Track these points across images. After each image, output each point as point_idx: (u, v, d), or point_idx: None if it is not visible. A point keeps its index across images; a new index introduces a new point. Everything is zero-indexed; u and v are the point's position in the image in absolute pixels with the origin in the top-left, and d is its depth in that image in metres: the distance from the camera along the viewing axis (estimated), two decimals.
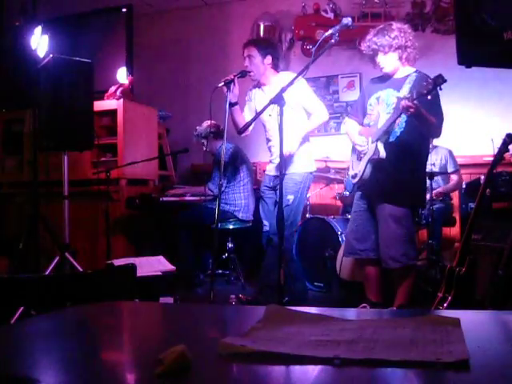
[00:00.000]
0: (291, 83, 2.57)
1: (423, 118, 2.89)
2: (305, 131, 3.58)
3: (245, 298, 3.65)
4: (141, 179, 5.00)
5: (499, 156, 2.47)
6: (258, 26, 5.66)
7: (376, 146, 3.01)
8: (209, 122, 4.50)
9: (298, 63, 5.43)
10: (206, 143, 4.59)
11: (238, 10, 5.94)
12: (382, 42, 3.02)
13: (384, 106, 3.10)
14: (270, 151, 3.77)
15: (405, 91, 2.97)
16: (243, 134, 3.43)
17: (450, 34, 4.79)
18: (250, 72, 3.55)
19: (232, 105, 3.46)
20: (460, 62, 1.57)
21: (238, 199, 4.50)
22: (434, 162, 4.47)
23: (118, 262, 2.68)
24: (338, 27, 2.59)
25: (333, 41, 2.59)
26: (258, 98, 3.72)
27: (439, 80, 2.69)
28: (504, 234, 2.59)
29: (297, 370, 0.72)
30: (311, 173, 3.66)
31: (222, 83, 3.34)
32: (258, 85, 3.73)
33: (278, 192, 3.58)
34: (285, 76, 3.51)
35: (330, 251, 4.15)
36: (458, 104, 4.85)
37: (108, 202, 4.12)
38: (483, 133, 4.60)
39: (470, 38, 1.55)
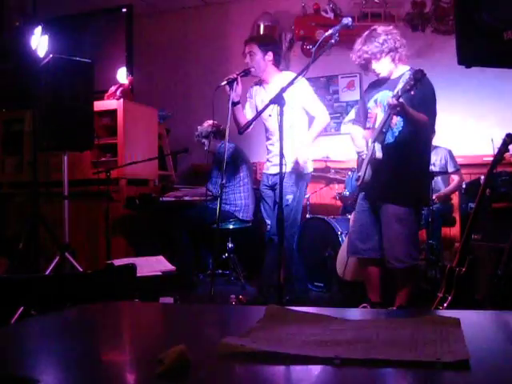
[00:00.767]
0: (291, 83, 2.57)
1: (409, 115, 2.90)
2: (312, 137, 3.61)
3: (245, 299, 3.65)
4: (141, 179, 5.00)
5: (499, 156, 2.47)
6: (258, 26, 5.65)
7: (373, 146, 3.02)
8: (210, 121, 4.50)
9: (298, 63, 5.43)
10: (206, 143, 4.60)
11: (237, 10, 5.94)
12: (373, 50, 3.03)
13: (381, 107, 3.11)
14: (268, 150, 3.78)
15: (398, 90, 2.97)
16: (244, 133, 3.44)
17: (450, 34, 4.78)
18: (250, 68, 3.55)
19: (234, 104, 3.46)
20: (460, 62, 1.57)
21: (238, 199, 4.50)
22: (433, 162, 4.46)
23: (118, 262, 2.68)
24: (337, 27, 2.59)
25: (333, 41, 2.59)
26: (259, 96, 3.73)
27: (418, 74, 2.71)
28: (504, 234, 2.59)
29: (297, 370, 0.72)
30: (309, 173, 3.66)
31: (225, 82, 3.34)
32: (260, 82, 3.73)
33: (276, 192, 3.61)
34: (287, 76, 3.51)
35: (330, 251, 4.15)
36: (458, 104, 4.85)
37: (108, 201, 4.11)
38: (483, 133, 4.60)
39: (469, 38, 1.55)
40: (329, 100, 5.55)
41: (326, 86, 5.57)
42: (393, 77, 3.14)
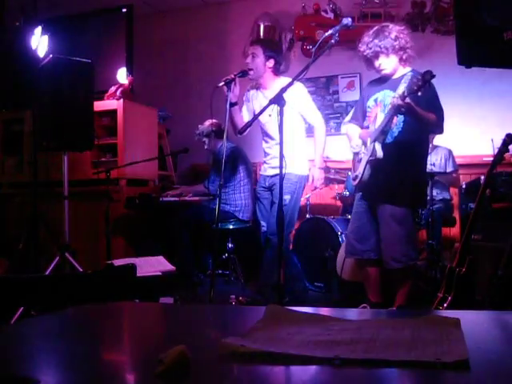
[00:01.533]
0: (291, 84, 2.57)
1: (418, 115, 2.89)
2: (321, 153, 3.72)
3: (244, 300, 3.64)
4: (141, 179, 5.00)
5: (499, 156, 2.47)
6: (258, 26, 5.65)
7: (373, 146, 3.01)
8: (211, 120, 4.50)
9: (298, 63, 5.43)
10: (207, 142, 4.60)
11: (237, 10, 5.94)
12: (385, 44, 3.00)
13: (382, 107, 3.10)
14: (265, 152, 3.80)
15: (400, 91, 2.97)
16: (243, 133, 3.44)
17: (450, 34, 4.78)
18: (249, 70, 3.55)
19: (232, 105, 3.46)
20: (460, 62, 1.57)
21: (238, 199, 4.50)
22: (433, 161, 4.47)
23: (118, 262, 2.68)
24: (337, 27, 2.59)
25: (333, 41, 2.59)
26: (256, 100, 3.73)
27: (427, 76, 2.69)
28: (504, 234, 2.59)
29: (297, 370, 0.72)
30: (306, 175, 3.67)
31: (223, 83, 3.34)
32: (257, 86, 3.74)
33: (274, 192, 3.62)
34: (286, 81, 3.52)
35: (330, 251, 4.15)
36: (458, 104, 4.85)
37: (108, 202, 4.11)
38: (483, 133, 4.60)
39: (470, 37, 1.55)
40: (329, 100, 5.55)
41: (325, 86, 5.57)
42: (394, 77, 3.13)
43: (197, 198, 4.67)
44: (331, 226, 4.23)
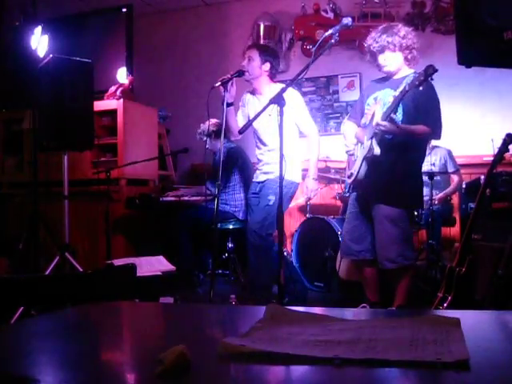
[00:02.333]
0: (291, 83, 2.57)
1: (404, 132, 2.91)
2: (316, 164, 3.70)
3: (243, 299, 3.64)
4: (141, 179, 5.00)
5: (499, 156, 2.47)
6: (258, 26, 5.66)
7: (370, 143, 3.00)
8: (213, 120, 4.50)
9: (298, 63, 5.43)
10: (208, 141, 4.60)
11: (237, 10, 5.94)
12: (393, 40, 3.01)
13: (381, 105, 3.09)
14: (258, 159, 3.79)
15: (401, 89, 2.96)
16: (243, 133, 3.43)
17: (450, 33, 4.79)
18: (245, 71, 3.53)
19: (228, 105, 3.44)
20: (460, 62, 1.57)
21: (238, 199, 4.50)
22: (433, 162, 4.47)
23: (117, 262, 2.68)
24: (338, 27, 2.59)
25: (333, 41, 2.59)
26: (252, 105, 3.72)
27: (430, 70, 2.68)
28: (504, 234, 2.59)
29: (297, 370, 0.72)
30: (297, 183, 3.66)
31: (219, 83, 3.33)
32: (253, 91, 3.72)
33: (261, 193, 3.61)
34: (279, 87, 3.53)
35: (330, 251, 4.15)
36: (458, 104, 4.85)
37: (108, 201, 4.11)
38: (483, 133, 4.60)
39: (469, 37, 1.55)
40: (329, 100, 5.55)
41: (326, 86, 5.57)
42: (396, 77, 3.12)
43: (196, 198, 4.67)
44: (331, 226, 4.23)
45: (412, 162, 3.12)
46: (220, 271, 4.65)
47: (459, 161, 4.62)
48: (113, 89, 4.99)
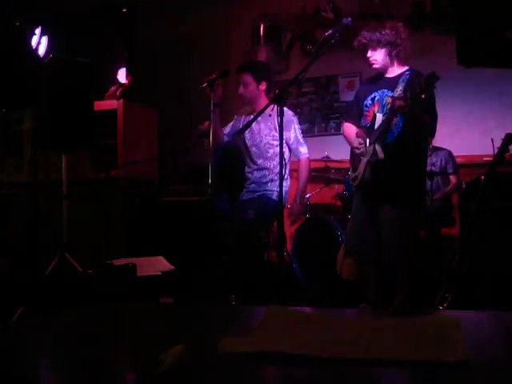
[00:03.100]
0: (291, 83, 2.57)
1: (417, 117, 2.89)
2: (305, 189, 3.67)
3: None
4: (141, 179, 5.00)
5: (499, 156, 2.47)
6: (258, 26, 5.65)
7: (374, 147, 3.00)
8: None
9: (298, 63, 5.43)
10: (208, 141, 4.59)
11: (237, 10, 5.93)
12: (372, 37, 3.02)
13: (379, 106, 3.10)
14: (246, 177, 3.70)
15: (399, 91, 2.96)
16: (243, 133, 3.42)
17: (450, 34, 4.78)
18: (229, 72, 3.42)
19: (215, 105, 3.41)
20: (460, 62, 1.57)
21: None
22: (434, 162, 4.47)
23: (117, 262, 2.68)
24: (338, 27, 2.59)
25: (333, 41, 2.59)
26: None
27: (432, 79, 2.67)
28: (504, 234, 2.59)
29: (297, 369, 0.72)
30: (283, 206, 3.56)
31: (206, 83, 3.30)
32: (252, 112, 3.62)
33: (241, 209, 3.54)
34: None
35: (330, 251, 4.15)
36: (458, 104, 4.84)
37: (108, 202, 4.11)
38: (483, 133, 4.60)
39: (469, 37, 1.55)
40: (329, 100, 5.55)
41: (325, 86, 5.57)
42: (389, 75, 3.12)
43: (197, 198, 4.67)
44: (331, 225, 4.22)
45: (416, 162, 3.13)
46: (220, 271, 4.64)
47: (459, 161, 4.62)
48: (113, 89, 4.99)
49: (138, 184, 4.96)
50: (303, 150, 3.61)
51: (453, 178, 4.58)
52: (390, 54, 3.05)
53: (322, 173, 4.79)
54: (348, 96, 5.46)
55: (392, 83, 3.04)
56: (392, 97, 2.96)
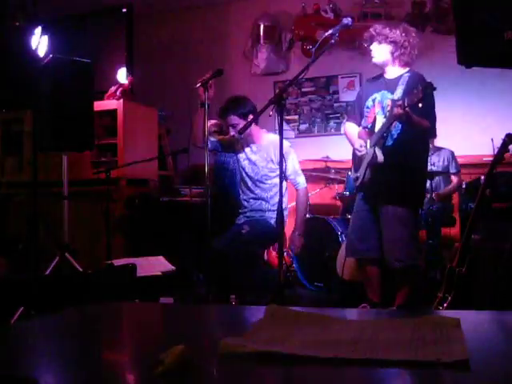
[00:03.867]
0: (291, 83, 2.57)
1: (415, 124, 2.92)
2: (304, 214, 3.64)
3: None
4: (141, 179, 5.00)
5: (499, 156, 2.47)
6: (258, 26, 5.65)
7: (374, 150, 3.03)
8: (213, 121, 4.49)
9: (298, 63, 5.43)
10: (208, 142, 4.58)
11: (237, 10, 5.93)
12: (381, 31, 3.07)
13: (380, 108, 3.12)
14: (242, 204, 3.66)
15: (398, 93, 2.99)
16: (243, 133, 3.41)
17: (450, 34, 4.78)
18: (223, 71, 3.38)
19: (202, 105, 3.39)
20: (460, 62, 1.57)
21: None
22: (435, 162, 4.48)
23: (118, 262, 2.68)
24: (338, 27, 2.60)
25: (333, 41, 2.59)
26: (242, 154, 3.66)
27: (428, 89, 2.71)
28: (504, 233, 2.59)
29: (297, 370, 0.72)
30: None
31: (199, 84, 3.30)
32: (247, 143, 3.63)
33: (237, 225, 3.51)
34: (271, 137, 3.52)
35: (330, 251, 4.15)
36: (458, 104, 4.84)
37: (108, 202, 4.11)
38: (483, 133, 4.60)
39: (469, 37, 1.55)
40: (329, 100, 5.55)
41: (325, 86, 5.57)
42: (389, 76, 3.15)
43: (197, 198, 4.67)
44: (331, 225, 4.22)
45: (417, 162, 3.14)
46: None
47: (459, 161, 4.63)
48: (113, 89, 4.99)
49: (138, 184, 4.96)
50: (301, 180, 3.57)
51: (454, 178, 4.58)
52: (392, 53, 3.08)
53: (321, 173, 4.78)
54: (348, 96, 5.46)
55: (392, 85, 3.06)
56: (392, 100, 2.98)
